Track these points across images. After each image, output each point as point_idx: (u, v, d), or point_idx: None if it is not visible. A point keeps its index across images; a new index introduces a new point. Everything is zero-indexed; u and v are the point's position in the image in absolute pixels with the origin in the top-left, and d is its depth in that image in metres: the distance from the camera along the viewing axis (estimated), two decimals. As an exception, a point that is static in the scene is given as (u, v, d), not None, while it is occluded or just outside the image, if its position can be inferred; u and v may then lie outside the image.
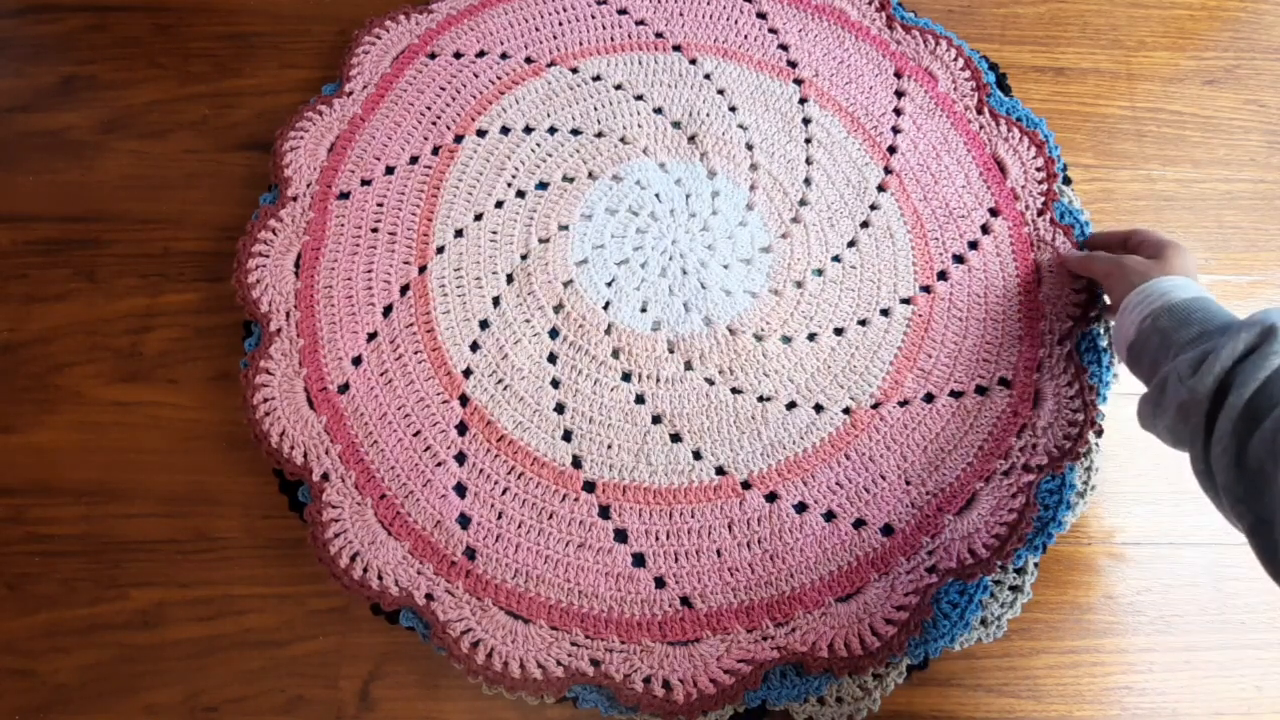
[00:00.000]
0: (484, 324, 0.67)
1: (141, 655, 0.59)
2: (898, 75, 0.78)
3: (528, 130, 0.75)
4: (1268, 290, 0.74)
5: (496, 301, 0.68)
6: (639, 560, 0.60)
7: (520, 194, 0.72)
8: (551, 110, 0.75)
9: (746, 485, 0.62)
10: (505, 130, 0.75)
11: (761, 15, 0.81)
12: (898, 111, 0.77)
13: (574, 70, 0.77)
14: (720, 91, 0.77)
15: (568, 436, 0.64)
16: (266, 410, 0.62)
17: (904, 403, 0.65)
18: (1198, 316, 0.53)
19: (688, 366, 0.66)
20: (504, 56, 0.78)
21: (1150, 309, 0.55)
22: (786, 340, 0.68)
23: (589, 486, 0.62)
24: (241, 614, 0.60)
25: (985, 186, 0.73)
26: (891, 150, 0.75)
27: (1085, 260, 0.66)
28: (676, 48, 0.79)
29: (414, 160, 0.73)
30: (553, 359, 0.66)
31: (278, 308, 0.66)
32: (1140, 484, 0.66)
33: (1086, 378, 0.64)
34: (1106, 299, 0.67)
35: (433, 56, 0.77)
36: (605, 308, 0.68)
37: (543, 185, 0.73)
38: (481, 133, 0.74)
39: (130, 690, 0.58)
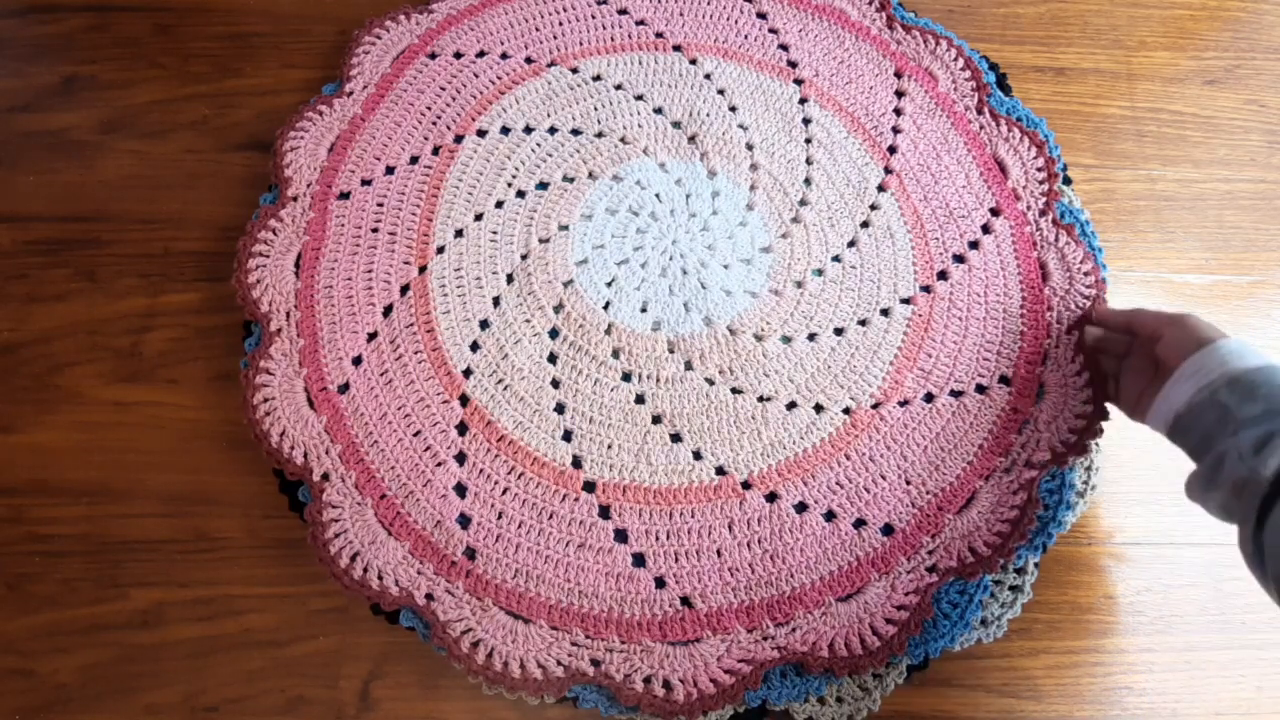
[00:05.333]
0: (484, 324, 0.67)
1: (141, 655, 0.59)
2: (898, 75, 0.78)
3: (528, 130, 0.75)
4: (1268, 290, 0.74)
5: (497, 301, 0.68)
6: (639, 560, 0.60)
7: (520, 194, 0.72)
8: (551, 110, 0.75)
9: (746, 485, 0.62)
10: (505, 130, 0.75)
11: (761, 15, 0.81)
12: (898, 111, 0.77)
13: (574, 70, 0.77)
14: (720, 91, 0.77)
15: (568, 436, 0.64)
16: (266, 410, 0.62)
17: (904, 402, 0.65)
18: (1264, 391, 0.49)
19: (688, 366, 0.66)
20: (504, 56, 0.78)
21: (1208, 380, 0.51)
22: (786, 340, 0.68)
23: (589, 486, 0.62)
24: (241, 614, 0.60)
25: (986, 186, 0.73)
26: (891, 150, 0.75)
27: (1132, 313, 0.61)
28: (677, 48, 0.79)
29: (414, 160, 0.73)
30: (553, 359, 0.66)
31: (278, 308, 0.66)
32: (1140, 484, 0.66)
33: (1099, 368, 0.64)
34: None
35: (433, 56, 0.77)
36: (605, 308, 0.68)
37: (543, 185, 0.73)
38: (481, 133, 0.74)
39: (130, 690, 0.58)
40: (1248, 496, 0.47)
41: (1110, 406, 0.63)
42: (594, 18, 0.79)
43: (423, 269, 0.69)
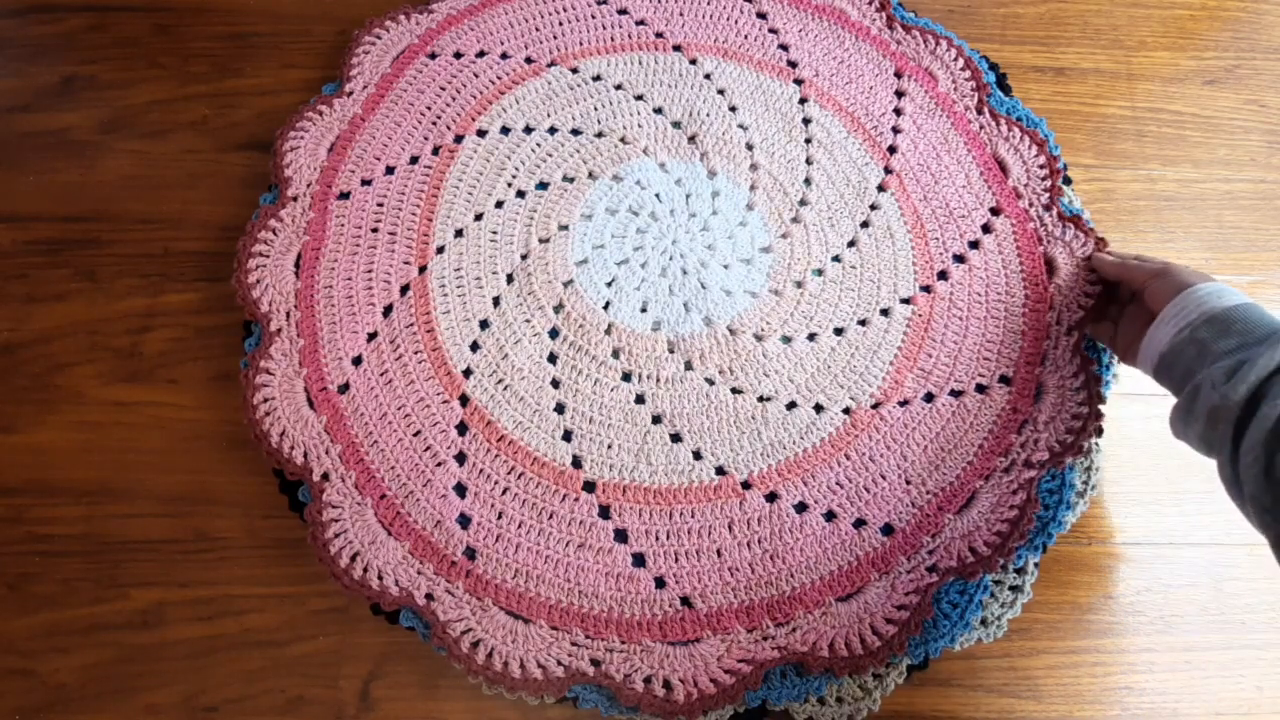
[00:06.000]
0: (484, 324, 0.67)
1: (141, 655, 0.59)
2: (898, 75, 0.78)
3: (528, 130, 0.75)
4: (1268, 290, 0.74)
5: (497, 301, 0.68)
6: (639, 560, 0.60)
7: (520, 194, 0.72)
8: (551, 110, 0.75)
9: (746, 485, 0.62)
10: (505, 130, 0.75)
11: (761, 15, 0.81)
12: (898, 111, 0.77)
13: (574, 70, 0.77)
14: (720, 91, 0.77)
15: (568, 436, 0.64)
16: (266, 410, 0.62)
17: (904, 402, 0.65)
18: (1238, 326, 0.52)
19: (688, 366, 0.66)
20: (504, 56, 0.78)
21: (1187, 320, 0.54)
22: (786, 340, 0.68)
23: (589, 486, 0.62)
24: (241, 614, 0.60)
25: (986, 186, 0.73)
26: (891, 150, 0.75)
27: (1123, 266, 0.64)
28: (677, 48, 0.79)
29: (414, 160, 0.73)
30: (553, 359, 0.66)
31: (278, 308, 0.66)
32: (1140, 484, 0.66)
33: (1093, 369, 0.64)
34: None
35: (433, 56, 0.77)
36: (605, 308, 0.68)
37: (543, 185, 0.73)
38: (481, 133, 0.74)
39: (130, 690, 0.58)
40: (1222, 424, 0.49)
41: (1106, 406, 0.63)
42: (594, 18, 0.79)
43: (423, 269, 0.69)
